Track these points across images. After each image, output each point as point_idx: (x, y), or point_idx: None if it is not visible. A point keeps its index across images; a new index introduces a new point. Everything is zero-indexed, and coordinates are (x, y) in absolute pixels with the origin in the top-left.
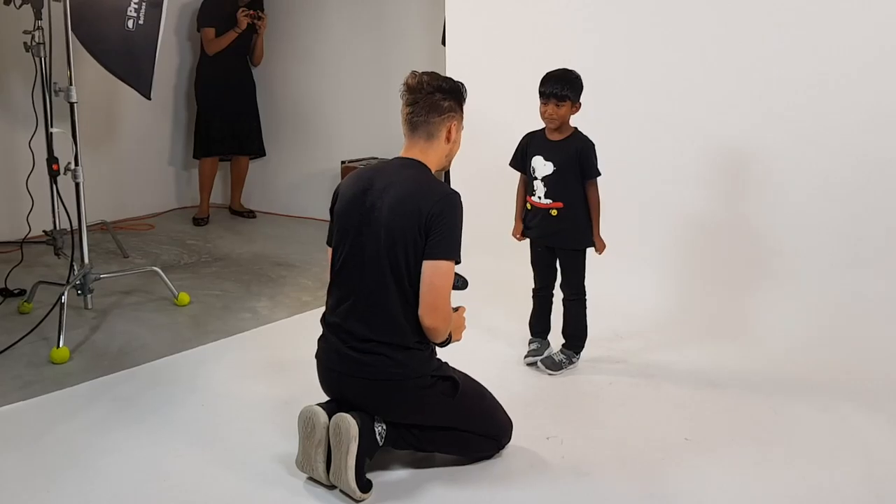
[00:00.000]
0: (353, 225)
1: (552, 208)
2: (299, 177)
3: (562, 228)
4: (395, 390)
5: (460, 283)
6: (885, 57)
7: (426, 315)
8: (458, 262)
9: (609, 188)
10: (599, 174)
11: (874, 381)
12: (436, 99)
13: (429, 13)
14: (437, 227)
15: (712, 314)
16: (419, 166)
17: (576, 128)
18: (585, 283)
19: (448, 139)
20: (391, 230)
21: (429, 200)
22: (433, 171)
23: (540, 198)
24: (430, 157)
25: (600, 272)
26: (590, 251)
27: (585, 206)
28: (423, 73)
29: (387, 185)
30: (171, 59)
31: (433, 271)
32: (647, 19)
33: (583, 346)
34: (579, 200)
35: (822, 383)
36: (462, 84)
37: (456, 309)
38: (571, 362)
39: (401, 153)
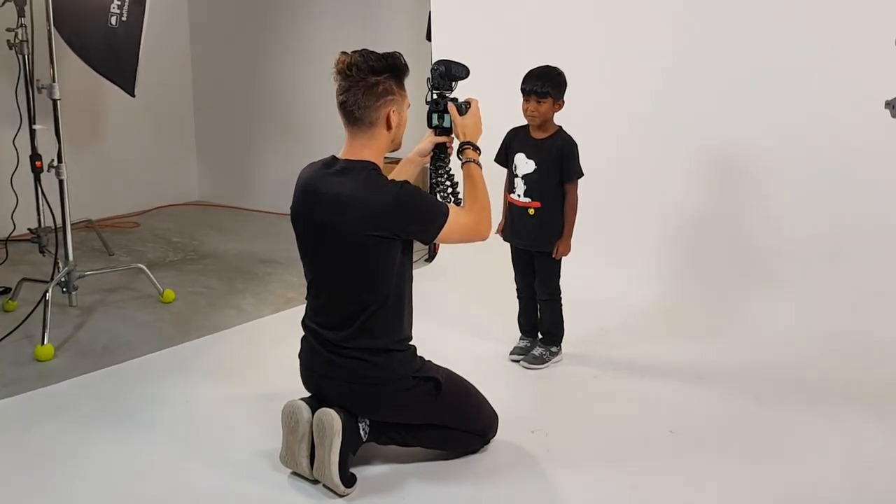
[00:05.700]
0: (311, 242)
1: (530, 207)
2: (287, 173)
3: (536, 230)
4: (376, 393)
5: (462, 72)
6: (874, 53)
7: (483, 234)
8: (446, 211)
9: (594, 185)
10: (581, 175)
11: (860, 377)
12: (370, 83)
13: (414, 8)
14: (410, 221)
15: (697, 308)
16: (361, 169)
17: (560, 126)
18: (563, 281)
19: (389, 126)
20: (350, 245)
21: (384, 208)
22: (382, 159)
23: (519, 196)
24: (374, 149)
25: (585, 267)
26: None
27: (563, 208)
28: (355, 52)
29: (334, 198)
30: (155, 56)
31: (449, 234)
32: (632, 16)
33: (560, 340)
34: (558, 202)
35: (808, 378)
36: (400, 56)
37: (467, 107)
38: (553, 355)
39: (343, 148)
